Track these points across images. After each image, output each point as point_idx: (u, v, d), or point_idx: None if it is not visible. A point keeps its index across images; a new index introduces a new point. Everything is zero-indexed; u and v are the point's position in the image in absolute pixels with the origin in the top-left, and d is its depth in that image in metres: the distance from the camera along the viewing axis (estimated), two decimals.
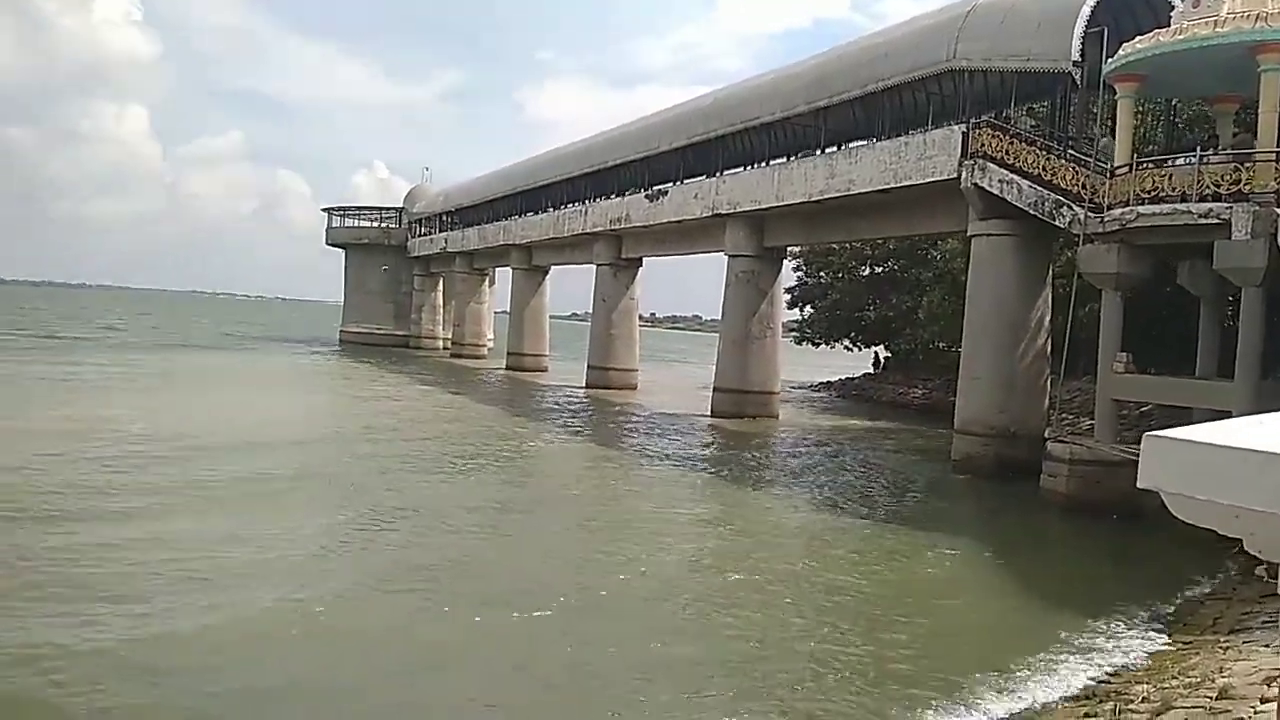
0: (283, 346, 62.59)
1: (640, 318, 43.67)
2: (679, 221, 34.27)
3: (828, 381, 49.56)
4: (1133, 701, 7.53)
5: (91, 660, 7.84)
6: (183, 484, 15.29)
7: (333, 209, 68.52)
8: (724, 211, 31.17)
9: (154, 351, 48.38)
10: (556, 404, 34.43)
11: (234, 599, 9.67)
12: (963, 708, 7.82)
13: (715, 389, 32.09)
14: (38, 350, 43.39)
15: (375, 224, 67.97)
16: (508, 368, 49.00)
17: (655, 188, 35.45)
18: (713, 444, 25.64)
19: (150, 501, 13.90)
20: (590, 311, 43.20)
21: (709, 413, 31.38)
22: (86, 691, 7.26)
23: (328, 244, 67.75)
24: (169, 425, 21.19)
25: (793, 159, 28.73)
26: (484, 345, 59.21)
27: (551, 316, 53.32)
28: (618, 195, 38.52)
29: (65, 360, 38.46)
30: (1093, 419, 19.53)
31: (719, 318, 33.45)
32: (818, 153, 27.46)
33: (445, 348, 61.76)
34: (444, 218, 60.13)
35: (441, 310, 64.92)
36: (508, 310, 53.02)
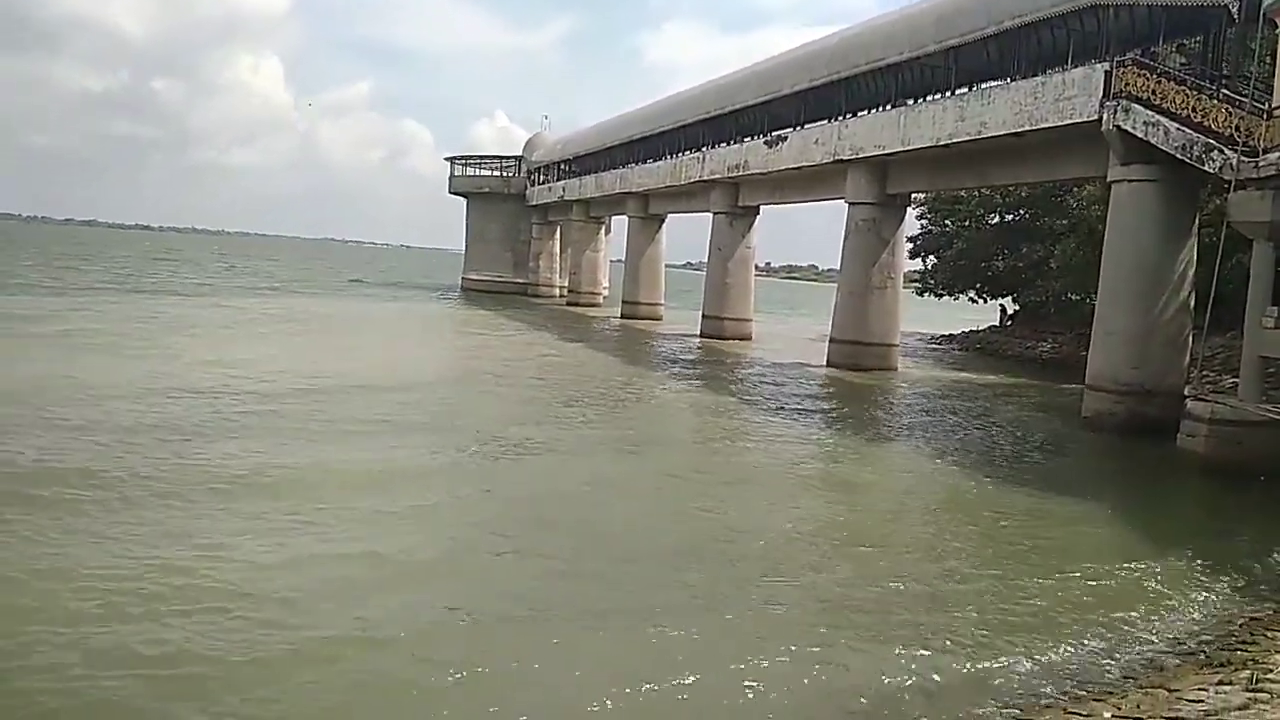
0: (408, 293, 64.53)
1: (756, 267, 43.18)
2: (798, 168, 33.59)
3: (949, 334, 48.09)
4: (1271, 670, 7.14)
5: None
6: (321, 420, 16.04)
7: (455, 158, 69.76)
8: (846, 157, 30.37)
9: (288, 296, 50.65)
10: (671, 352, 34.50)
11: (356, 530, 10.12)
12: (1090, 671, 7.57)
13: (832, 340, 31.57)
14: (183, 295, 45.94)
15: (495, 173, 68.94)
16: (623, 316, 49.33)
17: (775, 133, 34.77)
18: (829, 395, 25.29)
19: (282, 438, 14.59)
20: (705, 260, 42.99)
21: (824, 364, 30.95)
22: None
23: (450, 193, 69.11)
24: (306, 366, 22.20)
25: (920, 101, 27.70)
26: (599, 293, 59.72)
27: (667, 265, 53.28)
28: (735, 142, 37.95)
29: (211, 304, 40.69)
30: (1237, 377, 18.43)
31: (837, 268, 32.78)
32: (947, 94, 26.40)
33: (561, 296, 62.58)
34: (561, 166, 60.50)
35: (558, 259, 65.66)
36: (623, 259, 53.25)
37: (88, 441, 12.95)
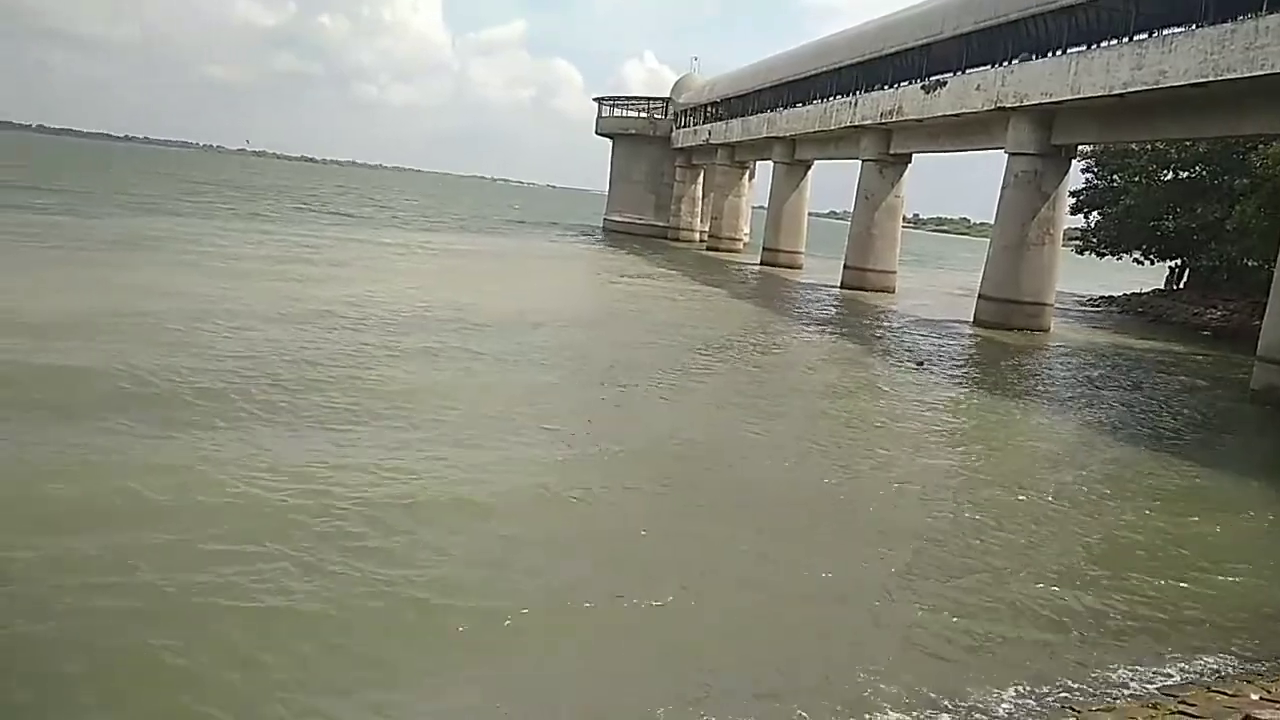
0: (551, 232, 65.59)
1: (903, 218, 41.84)
2: (956, 115, 32.15)
3: (1109, 296, 45.55)
4: None
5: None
6: (460, 352, 16.62)
7: (603, 99, 69.93)
8: (1008, 105, 28.87)
9: (436, 231, 52.28)
10: (810, 302, 33.99)
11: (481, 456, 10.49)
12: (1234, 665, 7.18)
13: (981, 296, 30.40)
14: (339, 225, 48.09)
15: (642, 115, 68.80)
16: (762, 263, 48.80)
17: (933, 78, 33.33)
18: (974, 354, 24.45)
19: (439, 364, 15.22)
20: (850, 210, 41.92)
21: (971, 321, 29.89)
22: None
23: (597, 133, 69.48)
24: (457, 299, 22.93)
25: (1093, 47, 25.95)
26: (740, 239, 59.19)
27: (810, 213, 52.25)
28: (890, 86, 36.57)
29: (361, 237, 42.52)
30: None
31: (991, 221, 31.40)
32: (1124, 40, 24.66)
33: (701, 240, 62.35)
34: (709, 109, 59.80)
35: (700, 203, 65.30)
36: (765, 205, 52.50)
37: (263, 361, 13.83)
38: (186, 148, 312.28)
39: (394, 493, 8.99)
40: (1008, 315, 28.97)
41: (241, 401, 11.64)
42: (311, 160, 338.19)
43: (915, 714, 6.07)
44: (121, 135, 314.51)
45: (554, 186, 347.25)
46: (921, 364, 21.11)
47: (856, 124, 39.06)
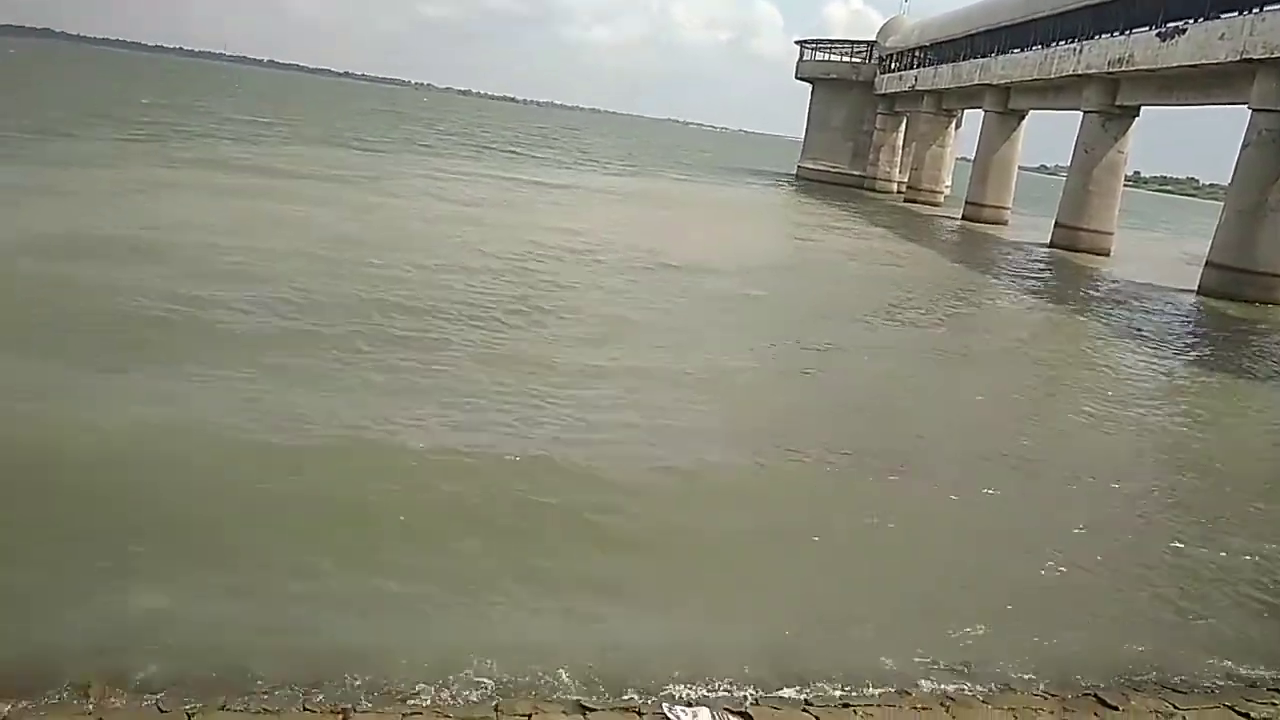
0: (743, 178, 65.17)
1: (1124, 176, 39.02)
2: (1194, 65, 29.54)
3: None
4: None
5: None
6: (666, 293, 17.09)
7: (805, 42, 68.30)
8: (1256, 55, 26.27)
9: (630, 176, 53.01)
10: (1014, 261, 32.45)
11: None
12: None
13: (1208, 264, 28.13)
14: (534, 165, 49.61)
15: (844, 59, 66.78)
16: (964, 218, 46.80)
17: (1171, 24, 30.70)
18: (1196, 326, 22.78)
19: (636, 304, 15.73)
20: (1066, 165, 39.47)
21: (1195, 290, 27.76)
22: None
23: (796, 78, 68.06)
24: (636, 242, 23.35)
25: None
26: (940, 191, 56.87)
27: (1019, 167, 49.51)
28: (1120, 33, 33.92)
29: (563, 181, 43.76)
30: None
31: (1223, 183, 28.87)
32: None
33: (899, 192, 60.29)
34: (916, 54, 57.33)
35: (900, 152, 63.04)
36: (969, 158, 50.12)
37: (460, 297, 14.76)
38: (401, 85, 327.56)
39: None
40: (1239, 285, 26.70)
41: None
42: (512, 100, 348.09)
43: None
44: (342, 71, 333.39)
45: (747, 132, 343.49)
46: (1135, 332, 19.90)
47: (1080, 73, 36.54)
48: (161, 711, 4.60)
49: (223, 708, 4.68)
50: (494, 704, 4.98)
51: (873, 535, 7.80)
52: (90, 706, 4.59)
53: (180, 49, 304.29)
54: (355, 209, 23.18)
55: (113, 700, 4.67)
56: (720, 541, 7.40)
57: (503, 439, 8.75)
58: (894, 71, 60.43)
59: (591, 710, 5.00)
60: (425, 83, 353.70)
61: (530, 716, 4.86)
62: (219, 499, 6.99)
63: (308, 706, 4.75)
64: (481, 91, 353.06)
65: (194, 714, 4.58)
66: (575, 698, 5.11)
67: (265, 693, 4.85)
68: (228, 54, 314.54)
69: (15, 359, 9.57)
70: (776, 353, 14.15)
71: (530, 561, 6.63)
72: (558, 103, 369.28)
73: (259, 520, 6.76)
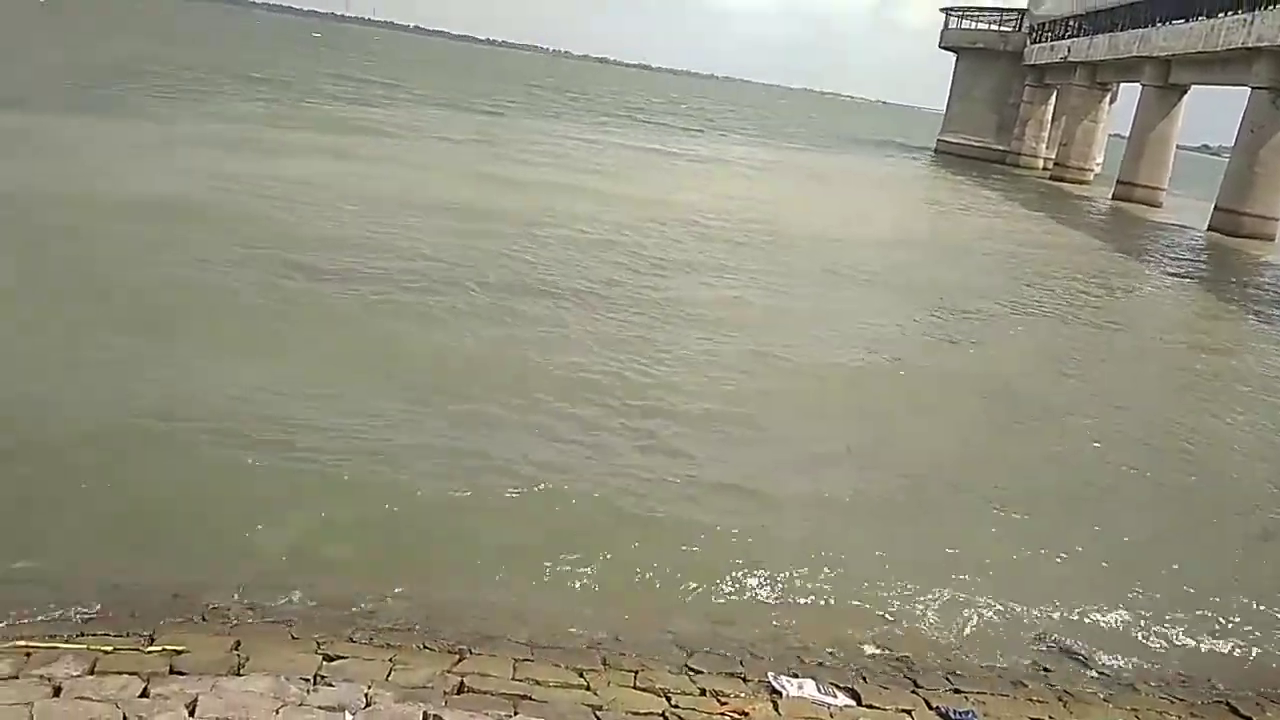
0: (881, 150, 63.56)
1: None
2: None
3: None
4: None
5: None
6: (812, 267, 17.03)
7: (951, 9, 65.74)
8: None
9: (761, 147, 52.38)
10: (1169, 245, 30.65)
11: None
12: None
13: None
14: (684, 135, 49.55)
15: (992, 27, 64.03)
16: (1114, 198, 44.40)
17: None
18: None
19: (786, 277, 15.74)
20: (1230, 145, 36.92)
21: None
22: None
23: (941, 46, 65.67)
24: (764, 215, 23.12)
25: None
26: (1090, 169, 54.03)
27: (1176, 146, 46.58)
28: None
29: (712, 150, 43.63)
30: None
31: None
32: None
33: (1045, 169, 57.56)
34: (1070, 23, 54.43)
35: (1048, 127, 60.14)
36: (1123, 135, 47.42)
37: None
38: (537, 52, 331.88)
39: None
40: None
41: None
42: (646, 68, 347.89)
43: None
44: (484, 38, 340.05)
45: (885, 103, 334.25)
46: None
47: (1251, 45, 34.01)
48: (294, 639, 4.89)
49: (350, 639, 4.95)
50: (601, 657, 5.09)
51: (1009, 508, 7.62)
52: (229, 629, 4.93)
53: (333, 14, 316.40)
54: (479, 176, 23.72)
55: (250, 622, 5.01)
56: (855, 521, 7.32)
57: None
58: (1045, 41, 57.58)
59: (697, 673, 5.05)
60: (562, 50, 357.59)
61: (637, 673, 4.94)
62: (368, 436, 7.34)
63: (426, 645, 4.97)
64: (617, 59, 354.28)
65: (323, 643, 4.86)
66: (682, 660, 5.18)
67: (388, 629, 5.11)
68: (375, 19, 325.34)
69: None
70: (911, 341, 13.67)
71: (651, 530, 6.71)
72: (691, 71, 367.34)
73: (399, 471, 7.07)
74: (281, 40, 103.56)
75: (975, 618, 6.04)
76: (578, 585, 5.87)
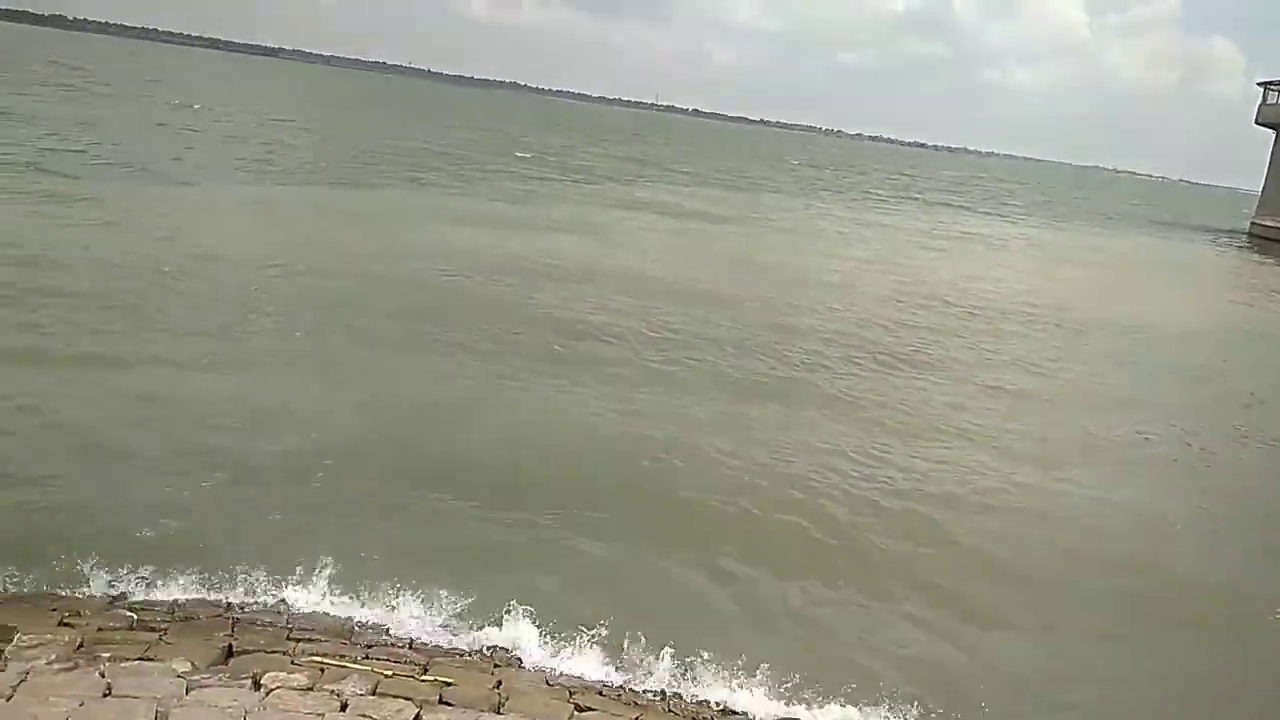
0: (1180, 233, 58.39)
1: None
2: None
3: None
4: None
5: None
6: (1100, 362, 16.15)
7: (1269, 83, 59.79)
8: None
9: (1047, 228, 49.62)
10: None
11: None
12: None
13: None
14: (945, 211, 48.17)
15: None
16: None
17: None
18: None
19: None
20: None
21: None
22: None
23: (1256, 123, 59.78)
24: (1053, 300, 21.84)
25: None
26: None
27: None
28: None
29: (965, 228, 42.19)
30: None
31: None
32: None
33: None
34: None
35: None
36: None
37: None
38: (810, 131, 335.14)
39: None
40: None
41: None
42: (922, 145, 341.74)
43: None
44: (757, 119, 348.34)
45: (1189, 182, 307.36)
46: None
47: None
48: (548, 686, 5.18)
49: (600, 693, 5.17)
50: None
51: None
52: (491, 669, 5.31)
53: (620, 100, 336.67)
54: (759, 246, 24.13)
55: (511, 667, 5.38)
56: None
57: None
58: None
59: None
60: (836, 129, 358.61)
61: None
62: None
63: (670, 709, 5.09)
64: (892, 137, 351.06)
65: (575, 692, 5.11)
66: None
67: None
68: (659, 104, 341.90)
69: None
70: (1200, 446, 12.40)
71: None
72: (970, 148, 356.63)
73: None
74: (542, 118, 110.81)
75: None
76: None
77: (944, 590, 7.06)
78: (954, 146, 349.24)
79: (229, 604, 5.75)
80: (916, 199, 55.85)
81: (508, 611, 5.84)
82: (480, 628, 5.73)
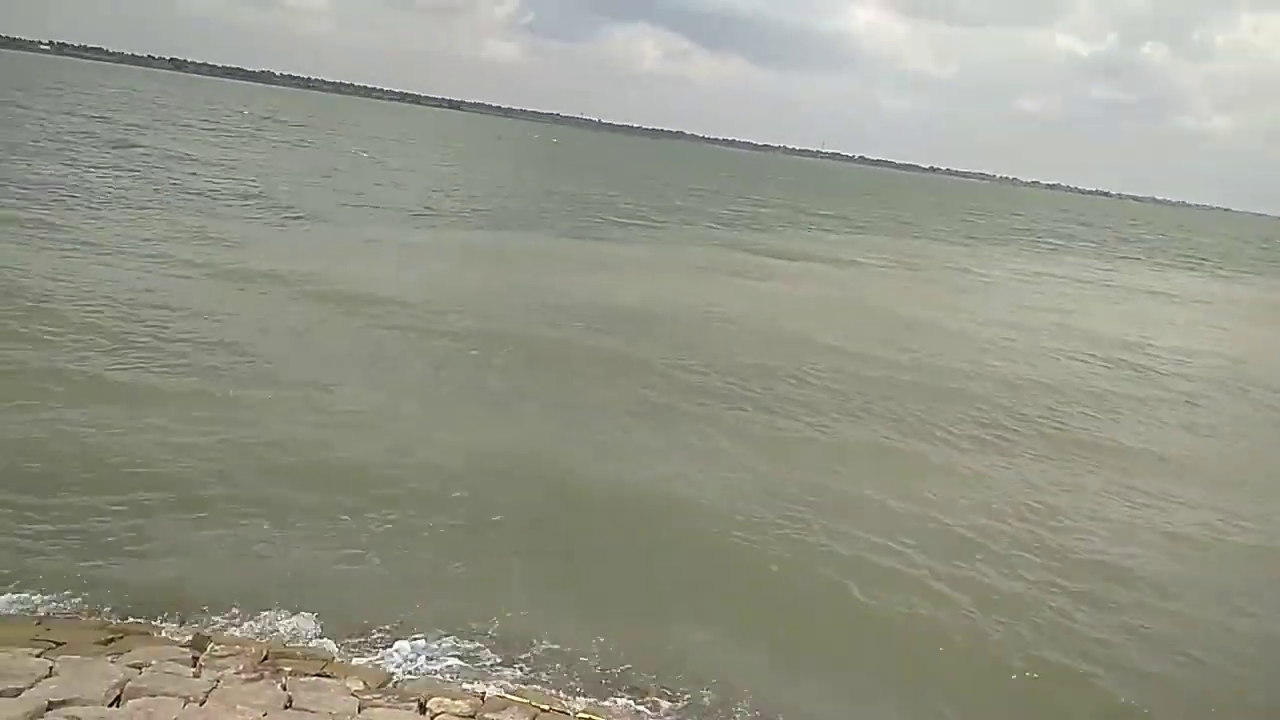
0: None
1: None
2: None
3: None
4: None
5: None
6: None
7: None
8: None
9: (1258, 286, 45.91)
10: None
11: None
12: None
13: None
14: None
15: None
16: None
17: None
18: None
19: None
20: None
21: None
22: None
23: None
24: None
25: None
26: None
27: None
28: None
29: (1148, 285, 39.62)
30: None
31: None
32: None
33: None
34: None
35: None
36: None
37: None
38: (983, 179, 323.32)
39: None
40: None
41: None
42: (1105, 194, 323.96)
43: None
44: (927, 166, 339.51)
45: None
46: None
47: None
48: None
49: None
50: None
51: None
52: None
53: (784, 147, 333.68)
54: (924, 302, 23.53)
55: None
56: None
57: None
58: None
59: None
60: (1010, 176, 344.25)
61: None
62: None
63: None
64: (1071, 185, 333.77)
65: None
66: None
67: None
68: (824, 151, 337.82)
69: None
70: None
71: None
72: (1159, 197, 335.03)
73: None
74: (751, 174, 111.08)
75: None
76: None
77: None
78: (1141, 196, 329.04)
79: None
80: (1109, 252, 52.83)
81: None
82: (641, 672, 5.92)
